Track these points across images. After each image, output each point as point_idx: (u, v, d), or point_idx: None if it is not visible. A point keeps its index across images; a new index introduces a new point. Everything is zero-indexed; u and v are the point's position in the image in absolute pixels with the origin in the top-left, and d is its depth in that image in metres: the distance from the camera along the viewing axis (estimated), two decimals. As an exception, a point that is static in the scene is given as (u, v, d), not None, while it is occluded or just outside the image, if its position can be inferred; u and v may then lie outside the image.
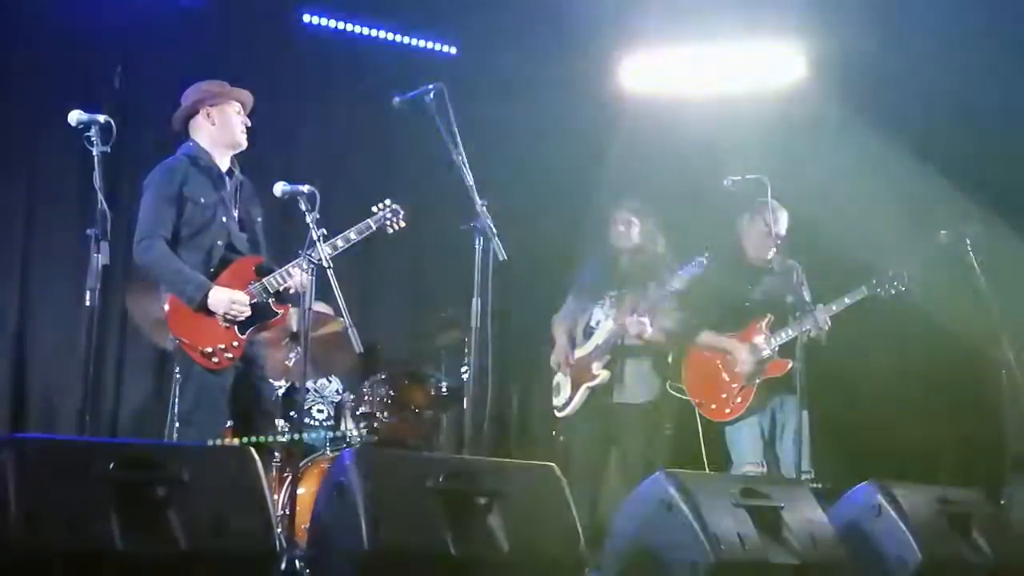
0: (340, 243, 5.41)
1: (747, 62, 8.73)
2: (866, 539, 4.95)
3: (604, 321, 6.61)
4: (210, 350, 5.24)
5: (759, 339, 6.46)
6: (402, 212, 5.57)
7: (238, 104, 5.55)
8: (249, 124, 5.56)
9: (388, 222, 5.56)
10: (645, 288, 6.54)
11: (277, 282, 5.35)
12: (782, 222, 6.48)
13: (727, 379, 6.51)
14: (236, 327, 5.29)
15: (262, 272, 5.40)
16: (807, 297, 6.03)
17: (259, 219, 5.61)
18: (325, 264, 5.06)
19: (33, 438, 3.78)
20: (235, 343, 5.29)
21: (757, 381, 6.44)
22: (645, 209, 6.75)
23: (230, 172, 5.53)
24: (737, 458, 6.45)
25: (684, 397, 6.65)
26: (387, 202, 5.58)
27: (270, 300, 5.38)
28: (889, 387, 7.89)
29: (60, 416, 7.11)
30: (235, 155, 5.57)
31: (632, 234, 6.68)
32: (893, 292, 6.37)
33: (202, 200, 5.37)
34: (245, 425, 5.36)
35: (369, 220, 5.53)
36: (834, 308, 6.35)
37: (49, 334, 7.33)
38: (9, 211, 7.41)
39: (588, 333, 6.67)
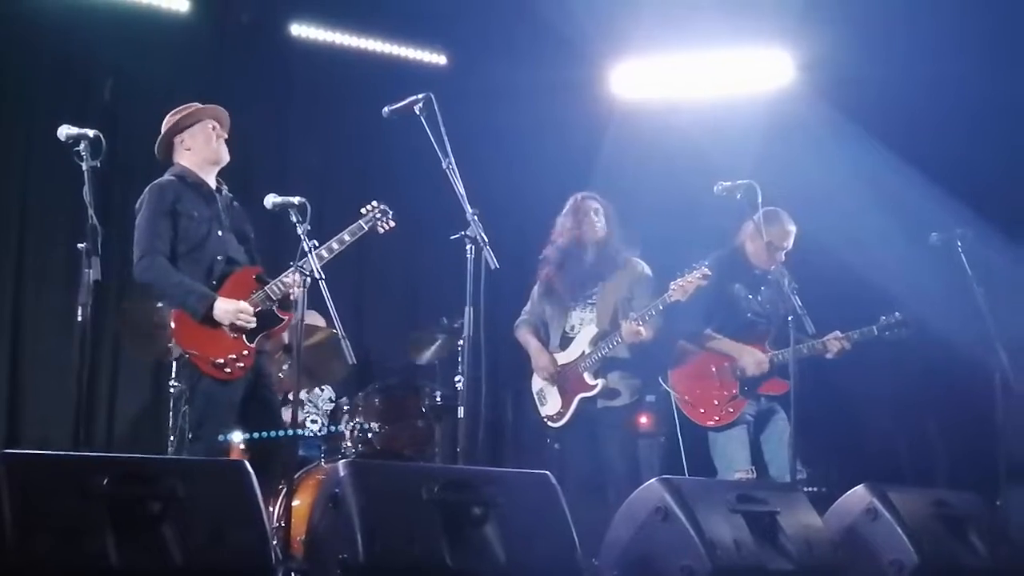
0: (335, 245, 5.44)
1: (736, 68, 8.77)
2: (862, 543, 4.95)
3: (584, 326, 6.51)
4: (222, 361, 5.27)
5: (762, 353, 6.42)
6: (391, 212, 5.61)
7: (211, 121, 5.56)
8: (226, 136, 5.57)
9: (379, 222, 5.59)
10: (615, 287, 6.47)
11: (279, 288, 5.38)
12: (791, 236, 6.44)
13: (719, 386, 6.46)
14: (244, 336, 5.32)
15: (263, 281, 5.43)
16: (798, 304, 6.00)
17: (251, 235, 5.63)
18: (317, 275, 5.07)
19: (27, 454, 3.77)
20: (245, 352, 5.33)
21: (754, 395, 6.41)
22: (603, 199, 6.68)
23: (218, 190, 5.56)
24: (725, 464, 6.36)
25: (667, 388, 6.60)
26: (374, 203, 5.62)
27: (274, 307, 5.41)
28: (883, 391, 7.90)
29: (54, 431, 7.08)
30: (220, 176, 5.59)
31: (601, 223, 6.57)
32: (893, 338, 6.35)
33: (195, 214, 5.40)
34: (257, 438, 5.41)
35: (360, 222, 5.55)
36: (847, 345, 6.30)
37: (42, 349, 7.31)
38: (0, 226, 7.39)
39: (566, 339, 6.56)
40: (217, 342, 5.28)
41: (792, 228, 6.46)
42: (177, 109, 5.60)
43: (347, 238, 5.49)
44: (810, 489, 6.29)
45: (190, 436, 5.28)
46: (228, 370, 5.27)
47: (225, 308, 5.27)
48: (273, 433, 5.45)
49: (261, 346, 5.43)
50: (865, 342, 6.35)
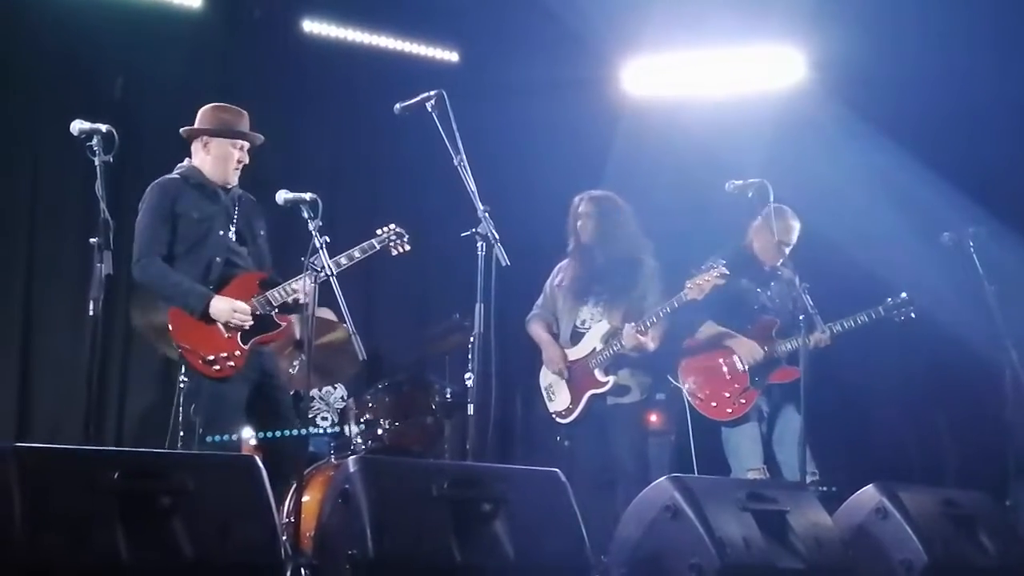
0: (344, 260, 5.45)
1: (748, 65, 8.75)
2: (872, 542, 4.94)
3: (596, 323, 6.49)
4: (212, 358, 5.29)
5: (767, 343, 6.43)
6: (407, 236, 5.64)
7: (242, 142, 5.57)
8: (246, 162, 5.58)
9: (392, 244, 5.62)
10: (626, 285, 6.47)
11: (281, 295, 5.41)
12: (795, 231, 6.45)
13: (730, 379, 6.48)
14: (239, 336, 5.33)
15: (267, 286, 5.46)
16: (809, 303, 6.00)
17: (262, 232, 5.65)
18: (328, 272, 5.08)
19: (37, 447, 3.77)
20: (237, 352, 5.35)
21: (764, 385, 6.43)
22: (596, 199, 6.65)
23: (226, 188, 5.56)
24: (737, 462, 6.39)
25: (677, 384, 6.61)
26: (391, 226, 5.64)
27: (273, 312, 5.43)
28: (893, 390, 7.89)
29: (65, 426, 7.10)
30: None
31: (588, 227, 6.54)
32: (902, 319, 6.35)
33: (195, 215, 5.44)
34: (268, 438, 5.44)
35: (373, 240, 5.59)
36: (841, 328, 6.31)
37: (53, 344, 7.32)
38: (12, 221, 7.41)
39: (576, 334, 6.56)
40: (210, 339, 5.32)
41: (796, 223, 6.48)
42: (223, 107, 5.59)
43: (357, 255, 5.52)
44: (819, 488, 6.28)
45: (201, 433, 5.30)
46: (217, 367, 5.30)
47: (221, 307, 5.32)
48: (285, 433, 5.46)
49: (261, 348, 5.44)
50: (872, 324, 6.35)
